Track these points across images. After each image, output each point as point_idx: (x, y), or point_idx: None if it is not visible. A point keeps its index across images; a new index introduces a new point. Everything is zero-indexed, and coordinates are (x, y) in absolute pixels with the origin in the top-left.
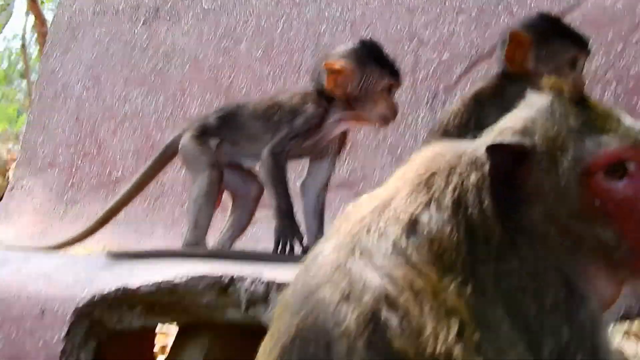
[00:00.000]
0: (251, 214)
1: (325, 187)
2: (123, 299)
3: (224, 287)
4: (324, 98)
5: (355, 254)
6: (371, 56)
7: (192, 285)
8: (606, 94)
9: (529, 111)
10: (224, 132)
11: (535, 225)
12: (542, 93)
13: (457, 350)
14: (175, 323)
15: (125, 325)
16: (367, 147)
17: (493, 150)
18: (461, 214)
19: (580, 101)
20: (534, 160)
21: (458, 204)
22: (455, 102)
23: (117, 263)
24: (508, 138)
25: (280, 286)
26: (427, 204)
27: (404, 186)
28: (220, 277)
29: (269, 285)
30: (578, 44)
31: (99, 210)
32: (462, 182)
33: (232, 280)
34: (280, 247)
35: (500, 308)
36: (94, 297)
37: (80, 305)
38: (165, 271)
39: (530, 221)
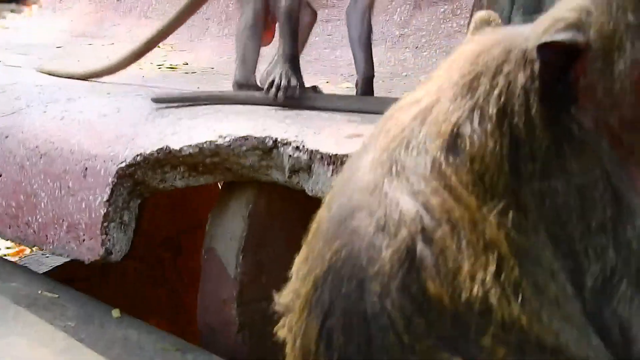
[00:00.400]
0: (303, 42)
1: (368, 10)
2: (165, 159)
3: (268, 150)
4: None
5: (393, 174)
6: None
7: (235, 147)
8: None
9: (584, 0)
10: None
11: (585, 133)
12: None
13: (494, 295)
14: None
15: (168, 184)
16: None
17: (544, 48)
18: (506, 124)
19: None
20: (588, 58)
21: (504, 111)
22: None
23: (161, 112)
24: (560, 33)
25: (324, 157)
26: (471, 112)
27: (448, 88)
28: (264, 139)
29: (312, 155)
30: None
31: (152, 1)
32: (509, 85)
33: (275, 143)
34: (272, 87)
35: (543, 233)
36: (135, 157)
37: (123, 165)
38: (208, 129)
39: (580, 129)
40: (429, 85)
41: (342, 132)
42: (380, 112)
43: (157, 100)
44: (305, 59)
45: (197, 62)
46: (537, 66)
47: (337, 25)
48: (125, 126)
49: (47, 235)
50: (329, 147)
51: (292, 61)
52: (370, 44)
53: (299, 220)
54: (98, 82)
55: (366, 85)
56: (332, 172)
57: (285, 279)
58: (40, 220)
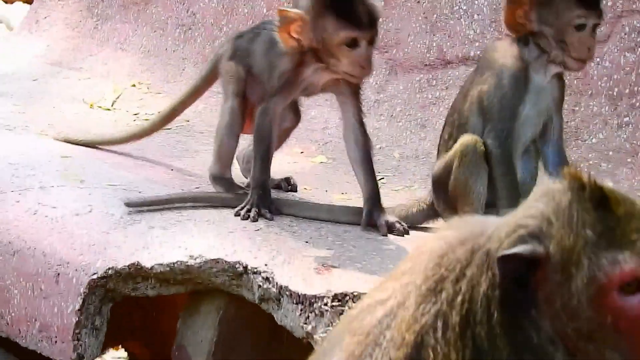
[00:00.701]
0: (281, 142)
1: (359, 128)
2: (137, 273)
3: (238, 274)
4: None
5: None
6: (331, 5)
7: (206, 268)
8: None
9: (547, 207)
10: (248, 60)
11: (544, 340)
12: (562, 185)
13: None
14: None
15: (140, 292)
16: (401, 6)
17: (504, 260)
18: (469, 333)
19: (601, 201)
20: (548, 269)
21: (467, 320)
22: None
23: (132, 217)
24: (520, 245)
25: (293, 295)
26: (435, 319)
27: (412, 290)
28: (234, 264)
29: (282, 290)
30: (584, 3)
31: (129, 32)
32: (472, 290)
33: (245, 269)
34: (242, 211)
35: None
36: (107, 270)
37: (95, 277)
38: (179, 246)
39: (539, 335)
40: (395, 283)
41: (313, 259)
42: (350, 223)
43: (129, 204)
44: None
45: None
46: (498, 276)
47: None
48: (97, 232)
49: (20, 330)
50: (297, 284)
51: (262, 187)
52: (370, 163)
53: (268, 328)
54: (76, 154)
55: (371, 204)
56: (301, 311)
57: None
58: (13, 314)
